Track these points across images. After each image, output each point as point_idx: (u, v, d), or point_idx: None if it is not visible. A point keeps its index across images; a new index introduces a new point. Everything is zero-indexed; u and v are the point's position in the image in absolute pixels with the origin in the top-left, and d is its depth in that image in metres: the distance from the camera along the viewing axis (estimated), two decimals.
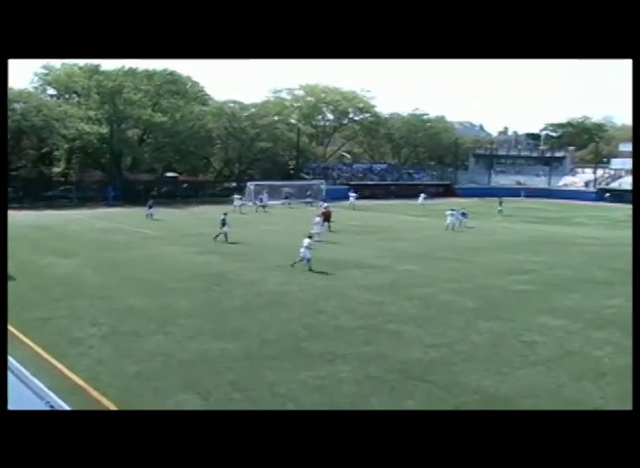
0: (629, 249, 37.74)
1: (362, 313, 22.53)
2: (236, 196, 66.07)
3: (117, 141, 73.64)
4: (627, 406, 14.40)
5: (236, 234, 41.31)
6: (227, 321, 21.18)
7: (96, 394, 14.41)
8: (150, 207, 54.85)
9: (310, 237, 31.99)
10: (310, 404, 14.25)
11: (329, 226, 47.25)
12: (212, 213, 60.35)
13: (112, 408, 13.65)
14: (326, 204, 55.35)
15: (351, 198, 71.22)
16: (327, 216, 47.44)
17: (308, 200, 72.76)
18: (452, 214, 51.12)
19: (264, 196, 67.98)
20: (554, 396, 15.14)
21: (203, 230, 46.25)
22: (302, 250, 30.49)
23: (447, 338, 19.63)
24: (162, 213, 56.51)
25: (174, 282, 27.16)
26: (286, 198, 74.00)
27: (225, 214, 42.03)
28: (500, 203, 66.17)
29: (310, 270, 29.90)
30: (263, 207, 65.53)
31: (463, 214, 52.83)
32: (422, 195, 73.92)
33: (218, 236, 40.44)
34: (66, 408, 8.00)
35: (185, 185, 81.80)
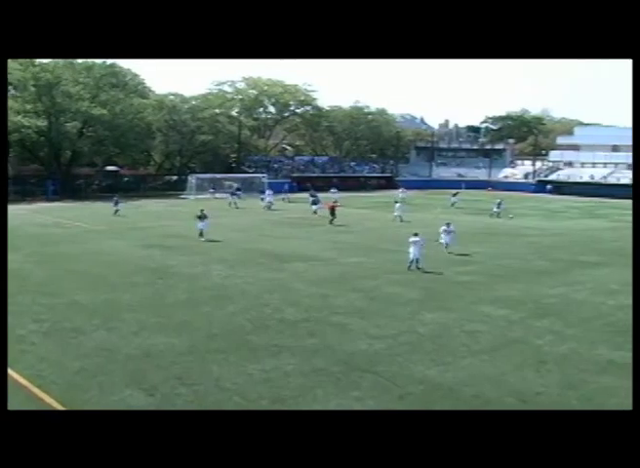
0: (570, 238, 38.01)
1: (307, 306, 22.58)
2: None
3: (56, 135, 72.37)
4: (568, 393, 14.83)
5: (178, 228, 41.03)
6: (172, 315, 21.03)
7: (37, 391, 14.20)
8: (117, 203, 52.61)
9: (416, 234, 30.39)
10: (257, 397, 14.25)
11: (332, 220, 47.98)
12: (153, 206, 60.04)
13: (55, 405, 13.47)
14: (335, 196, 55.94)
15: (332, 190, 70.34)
16: (333, 210, 48.58)
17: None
18: (399, 208, 51.71)
19: (268, 193, 63.20)
20: (497, 384, 15.37)
21: (145, 224, 45.90)
22: (411, 249, 29.41)
23: (392, 330, 19.78)
24: (101, 206, 55.93)
25: (117, 276, 26.88)
26: (262, 192, 70.46)
27: (202, 209, 40.11)
28: (455, 194, 66.26)
29: (418, 268, 29.24)
30: (269, 206, 61.27)
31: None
32: (401, 189, 73.67)
33: (201, 233, 38.64)
34: None
35: (126, 179, 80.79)
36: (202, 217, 39.29)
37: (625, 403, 14.26)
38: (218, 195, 70.00)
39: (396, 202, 53.10)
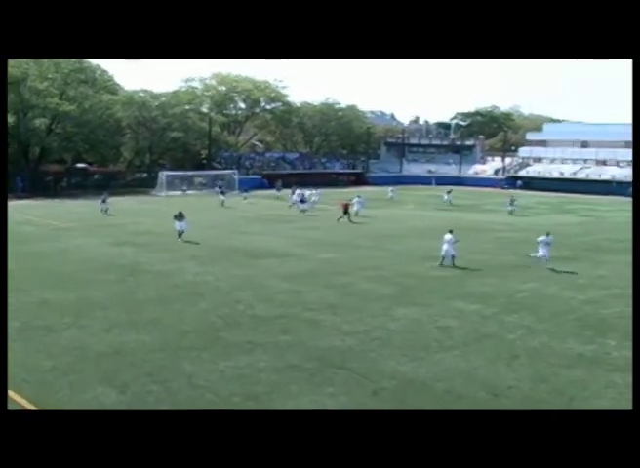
0: (539, 234, 37.82)
1: (280, 302, 22.54)
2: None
3: (24, 131, 71.55)
4: (540, 386, 14.96)
5: (149, 225, 40.79)
6: (143, 312, 20.91)
7: (10, 393, 14.03)
8: (104, 201, 50.41)
9: (451, 232, 30.01)
10: (230, 394, 14.22)
11: (348, 218, 47.38)
12: (123, 203, 59.58)
13: (27, 404, 13.34)
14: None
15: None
16: (347, 208, 48.09)
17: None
18: (359, 202, 51.85)
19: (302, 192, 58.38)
20: (469, 378, 15.46)
21: (116, 221, 45.57)
22: (445, 246, 29.45)
23: (365, 326, 19.80)
24: (70, 204, 55.44)
25: (88, 274, 26.66)
26: (245, 191, 68.06)
27: (181, 212, 37.75)
28: (449, 192, 65.84)
29: (454, 265, 29.33)
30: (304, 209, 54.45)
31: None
32: (390, 188, 73.14)
33: (179, 234, 36.49)
34: None
35: (96, 176, 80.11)
36: (180, 218, 37.34)
37: (595, 396, 14.48)
38: (189, 192, 69.82)
39: (358, 196, 52.92)
